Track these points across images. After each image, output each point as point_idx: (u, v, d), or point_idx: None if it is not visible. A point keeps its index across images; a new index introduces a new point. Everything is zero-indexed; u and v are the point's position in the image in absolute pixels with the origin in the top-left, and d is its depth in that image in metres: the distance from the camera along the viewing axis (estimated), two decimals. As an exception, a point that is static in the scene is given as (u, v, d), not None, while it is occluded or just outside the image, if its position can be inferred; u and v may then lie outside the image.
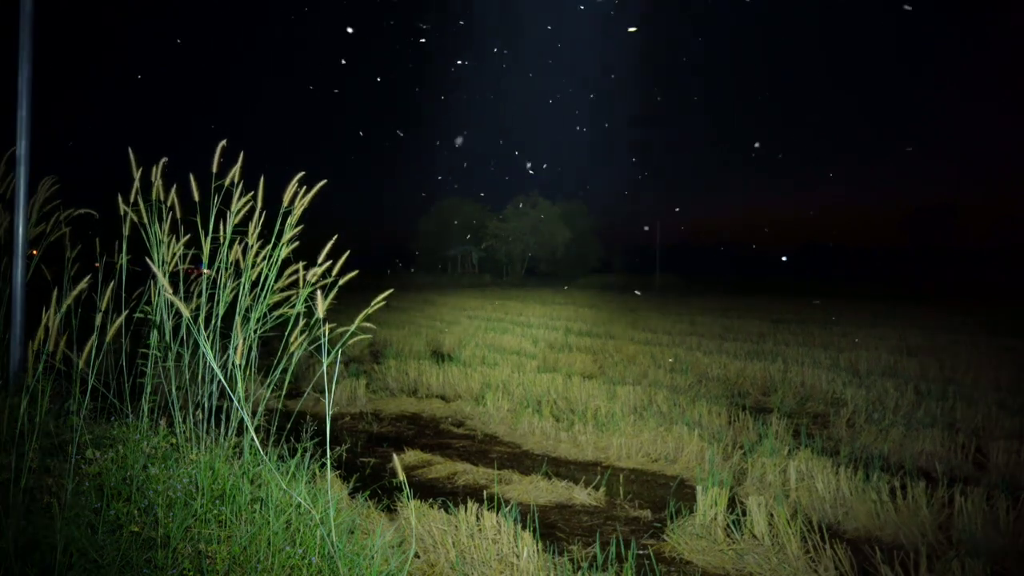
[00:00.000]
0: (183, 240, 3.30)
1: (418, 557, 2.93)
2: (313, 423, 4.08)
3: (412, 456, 4.69)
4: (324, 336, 2.44)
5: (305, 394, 3.94)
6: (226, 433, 3.09)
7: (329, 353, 2.47)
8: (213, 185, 3.16)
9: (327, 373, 2.47)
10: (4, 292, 4.03)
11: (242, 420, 2.89)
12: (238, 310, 3.15)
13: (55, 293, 2.62)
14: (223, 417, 3.12)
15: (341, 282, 2.77)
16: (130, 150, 3.20)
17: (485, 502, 3.38)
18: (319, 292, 2.35)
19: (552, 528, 3.50)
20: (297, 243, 3.24)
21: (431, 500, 3.42)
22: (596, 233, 56.29)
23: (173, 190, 3.25)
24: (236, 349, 2.58)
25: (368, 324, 2.61)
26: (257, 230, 3.18)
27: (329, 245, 2.77)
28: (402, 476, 2.24)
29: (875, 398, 6.16)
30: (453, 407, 6.21)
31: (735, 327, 12.39)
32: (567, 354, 8.79)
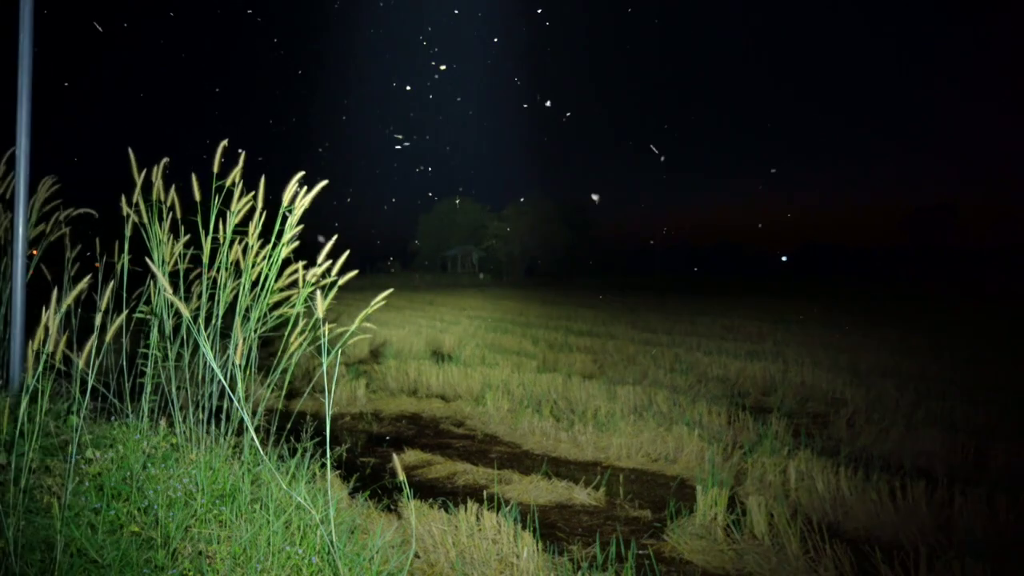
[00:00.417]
0: (183, 240, 3.30)
1: (418, 557, 2.93)
2: (313, 423, 4.08)
3: (412, 456, 4.69)
4: (324, 336, 2.44)
5: (305, 394, 3.94)
6: (226, 433, 3.09)
7: (329, 353, 2.47)
8: (214, 185, 3.17)
9: (327, 373, 2.47)
10: (4, 292, 4.03)
11: (242, 420, 2.89)
12: (238, 310, 3.15)
13: (55, 293, 2.62)
14: (223, 417, 3.12)
15: (341, 282, 2.77)
16: (130, 151, 3.21)
17: (485, 502, 3.38)
18: (319, 292, 2.35)
19: (552, 528, 3.50)
20: (297, 243, 3.24)
21: (431, 500, 3.42)
22: (596, 233, 56.32)
23: (173, 190, 3.25)
24: (236, 349, 2.58)
25: (368, 324, 2.61)
26: (257, 230, 3.18)
27: (329, 245, 2.77)
28: (402, 476, 2.24)
29: (875, 398, 6.16)
30: (453, 407, 6.21)
31: (735, 327, 12.39)
32: (567, 354, 8.79)
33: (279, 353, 3.00)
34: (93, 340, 2.43)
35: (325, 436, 2.43)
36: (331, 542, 2.34)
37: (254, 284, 3.23)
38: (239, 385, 2.54)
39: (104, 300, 2.68)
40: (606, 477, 4.31)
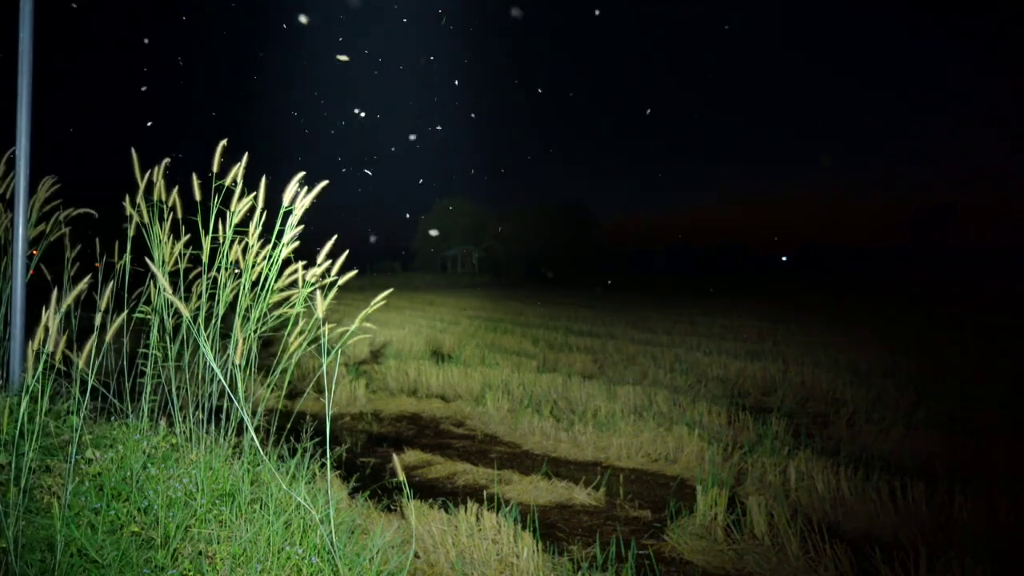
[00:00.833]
0: (184, 240, 3.30)
1: (418, 557, 2.93)
2: (313, 423, 4.09)
3: (412, 456, 4.69)
4: (324, 336, 2.44)
5: (305, 394, 3.94)
6: (226, 433, 3.09)
7: (329, 353, 2.47)
8: (214, 185, 3.17)
9: (327, 373, 2.47)
10: (4, 292, 4.03)
11: (242, 420, 2.89)
12: (238, 310, 3.15)
13: (55, 293, 2.62)
14: (223, 417, 3.12)
15: (341, 282, 2.77)
16: (133, 151, 3.21)
17: (485, 502, 3.38)
18: (319, 292, 2.35)
19: (552, 528, 3.50)
20: (298, 243, 3.24)
21: (431, 500, 3.42)
22: (596, 234, 56.35)
23: (175, 191, 3.25)
24: (236, 349, 2.58)
25: (368, 324, 2.61)
26: (258, 230, 3.18)
27: (329, 245, 2.77)
28: (402, 476, 2.24)
29: (875, 398, 6.16)
30: (453, 407, 6.21)
31: (735, 327, 12.39)
32: (567, 354, 8.79)
33: (279, 353, 3.00)
34: (93, 340, 2.43)
35: (325, 436, 2.43)
36: (331, 542, 2.34)
37: (254, 284, 3.23)
38: (239, 385, 2.54)
39: (104, 300, 2.68)
40: (606, 477, 4.31)
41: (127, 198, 3.28)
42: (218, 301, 3.23)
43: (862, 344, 9.79)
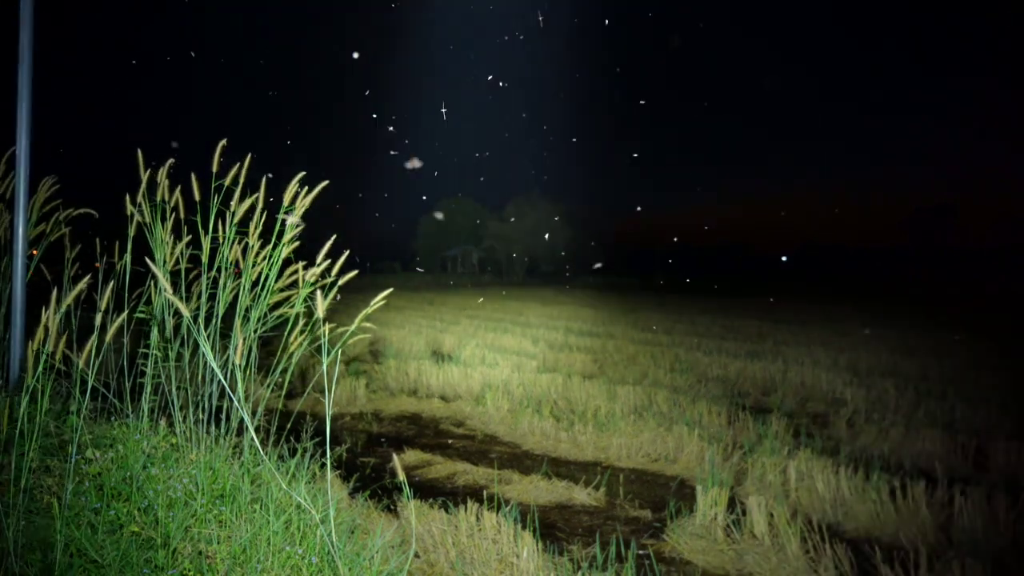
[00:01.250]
0: (185, 240, 3.30)
1: (418, 557, 2.93)
2: (313, 423, 4.09)
3: (412, 456, 4.69)
4: (324, 336, 2.44)
5: (305, 394, 3.95)
6: (226, 433, 3.09)
7: (329, 353, 2.47)
8: (213, 185, 3.17)
9: (327, 373, 2.47)
10: (4, 292, 4.03)
11: (242, 420, 2.89)
12: (238, 310, 3.15)
13: (55, 293, 2.62)
14: (223, 417, 3.12)
15: (341, 282, 2.77)
16: (139, 152, 3.21)
17: (485, 502, 3.38)
18: (319, 292, 2.35)
19: (552, 528, 3.50)
20: (297, 243, 3.24)
21: (431, 500, 3.42)
22: (597, 233, 56.37)
23: (178, 191, 3.26)
24: (236, 349, 2.58)
25: (368, 324, 2.61)
26: (258, 230, 3.18)
27: (328, 244, 2.77)
28: (402, 476, 2.24)
29: (875, 398, 6.16)
30: (453, 407, 6.21)
31: (735, 327, 12.39)
32: (567, 354, 8.79)
33: (279, 353, 3.00)
34: (93, 340, 2.43)
35: (325, 436, 2.43)
36: (331, 542, 2.34)
37: (254, 284, 3.23)
38: (239, 385, 2.54)
39: (104, 300, 2.68)
40: (606, 477, 4.31)
41: (127, 197, 3.28)
42: (218, 301, 3.23)
43: (862, 344, 9.79)
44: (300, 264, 3.15)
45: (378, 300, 2.63)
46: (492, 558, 2.85)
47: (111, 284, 2.71)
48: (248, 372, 3.17)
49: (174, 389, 3.09)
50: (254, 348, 3.27)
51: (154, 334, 3.20)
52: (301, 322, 2.93)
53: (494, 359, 8.29)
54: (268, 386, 3.07)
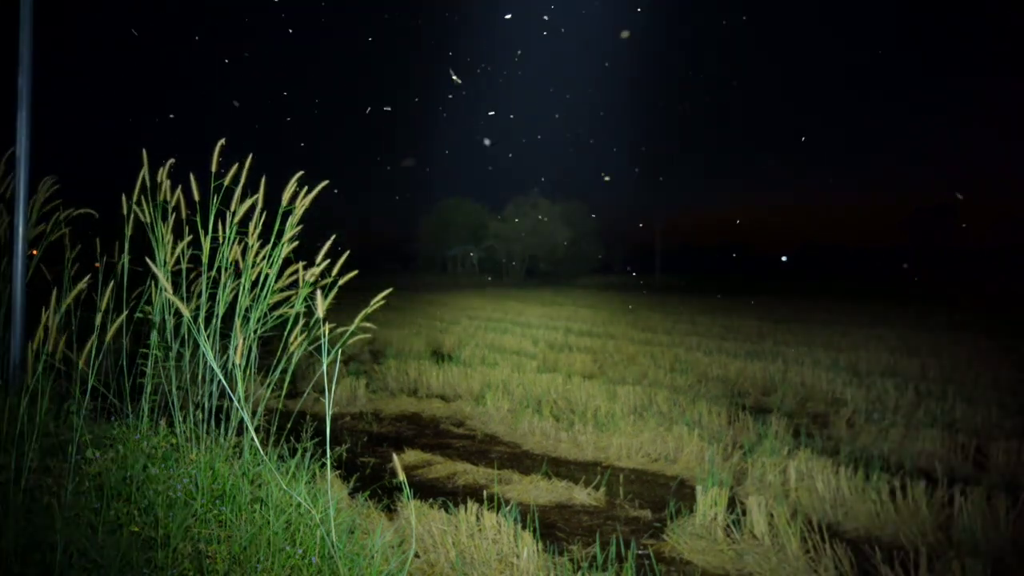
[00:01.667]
0: (186, 240, 3.30)
1: (418, 557, 2.93)
2: (313, 423, 4.09)
3: (412, 456, 4.69)
4: (324, 336, 2.44)
5: (305, 394, 3.95)
6: (226, 433, 3.09)
7: (329, 353, 2.47)
8: (213, 184, 3.17)
9: (327, 373, 2.47)
10: (4, 292, 4.03)
11: (242, 420, 2.89)
12: (238, 310, 3.15)
13: (55, 293, 2.62)
14: (223, 417, 3.12)
15: (341, 282, 2.77)
16: (144, 152, 3.21)
17: (485, 502, 3.38)
18: (319, 292, 2.34)
19: (552, 528, 3.50)
20: (297, 243, 3.24)
21: (431, 500, 3.42)
22: (597, 233, 56.40)
23: (179, 190, 3.26)
24: (236, 349, 2.58)
25: (368, 324, 2.61)
26: (257, 230, 3.18)
27: (328, 244, 2.77)
28: (402, 476, 2.24)
29: (875, 398, 6.16)
30: (453, 407, 6.21)
31: (735, 327, 12.39)
32: (567, 354, 8.79)
33: (279, 353, 3.00)
34: (93, 340, 2.43)
35: (325, 436, 2.43)
36: (331, 542, 2.34)
37: (254, 284, 3.23)
38: (239, 385, 2.54)
39: (104, 300, 2.68)
40: (606, 477, 4.31)
41: (122, 197, 3.28)
42: (218, 301, 3.23)
43: (862, 344, 9.79)
44: (300, 264, 3.15)
45: (378, 300, 2.63)
46: (492, 558, 2.85)
47: (111, 284, 2.72)
48: (248, 372, 3.17)
49: (174, 389, 3.09)
50: (254, 348, 3.27)
51: (154, 334, 3.20)
52: (301, 322, 2.93)
53: (494, 359, 8.29)
54: (268, 386, 3.07)
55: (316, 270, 2.78)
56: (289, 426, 3.99)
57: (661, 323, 13.35)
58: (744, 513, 3.31)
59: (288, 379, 3.11)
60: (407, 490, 2.53)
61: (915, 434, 4.80)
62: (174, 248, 3.28)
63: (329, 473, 2.67)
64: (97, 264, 3.61)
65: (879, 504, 3.47)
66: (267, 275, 3.20)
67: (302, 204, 3.16)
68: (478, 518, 3.03)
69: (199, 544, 2.40)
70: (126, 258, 3.34)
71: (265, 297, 3.19)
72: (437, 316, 15.16)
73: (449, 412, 6.14)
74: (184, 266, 3.31)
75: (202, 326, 2.92)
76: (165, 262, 3.27)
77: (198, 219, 3.23)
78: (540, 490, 3.99)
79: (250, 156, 3.16)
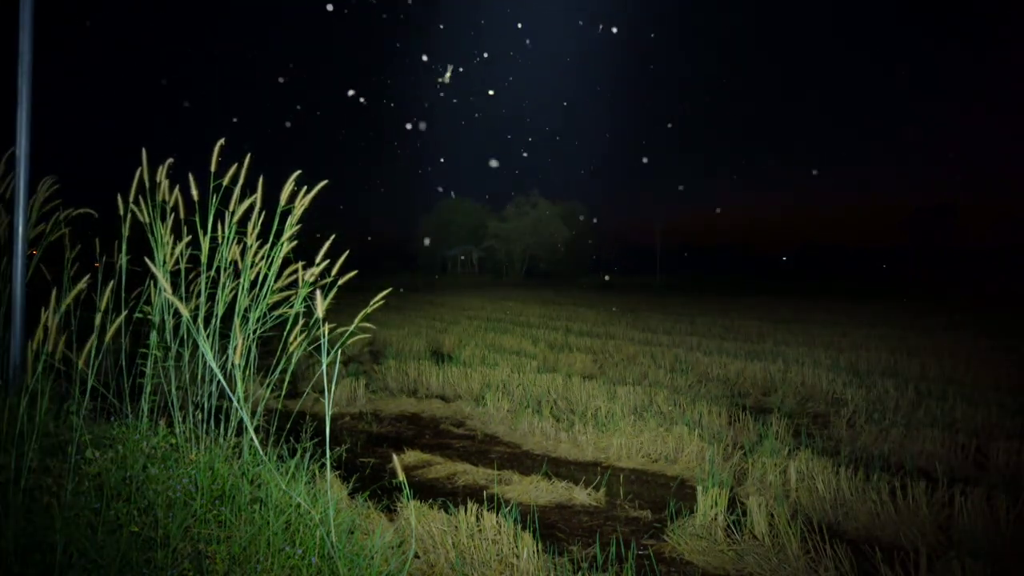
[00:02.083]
0: (185, 240, 3.30)
1: (418, 557, 2.93)
2: (313, 423, 4.09)
3: (412, 456, 4.69)
4: (324, 336, 2.43)
5: (305, 394, 3.94)
6: (226, 433, 3.09)
7: (328, 353, 2.47)
8: (212, 184, 3.16)
9: (327, 373, 2.47)
10: (4, 292, 4.02)
11: (242, 420, 2.89)
12: (237, 310, 3.14)
13: (54, 293, 2.62)
14: (223, 417, 3.12)
15: (341, 282, 2.77)
16: (143, 151, 3.21)
17: (485, 502, 3.38)
18: (318, 292, 2.34)
19: (552, 528, 3.50)
20: (296, 242, 3.24)
21: (431, 500, 3.42)
22: (597, 233, 56.41)
23: (177, 190, 3.25)
24: (235, 349, 2.58)
25: (367, 324, 2.61)
26: (256, 230, 3.17)
27: (327, 244, 2.76)
28: (402, 476, 2.24)
29: (875, 398, 6.16)
30: (453, 407, 6.21)
31: (735, 327, 12.39)
32: (567, 354, 8.78)
33: (278, 353, 3.00)
34: (93, 340, 2.43)
35: (325, 436, 2.43)
36: (331, 542, 2.34)
37: (253, 284, 3.22)
38: (238, 385, 2.54)
39: (104, 300, 2.68)
40: (606, 477, 4.31)
41: (118, 197, 3.27)
42: (217, 301, 3.23)
43: (862, 344, 9.79)
44: (299, 264, 3.15)
45: (378, 300, 2.63)
46: (492, 559, 2.84)
47: (110, 284, 2.71)
48: (247, 372, 3.17)
49: (173, 389, 3.09)
50: (253, 348, 3.27)
51: (153, 334, 3.20)
52: (300, 322, 2.93)
53: (494, 359, 8.28)
54: (268, 386, 3.06)
55: (316, 270, 2.77)
56: (289, 426, 3.99)
57: (661, 323, 13.35)
58: (744, 513, 3.31)
59: (288, 379, 3.11)
60: (407, 490, 2.53)
61: (915, 434, 4.80)
62: (173, 248, 3.28)
63: (329, 473, 2.67)
64: (97, 264, 3.61)
65: (879, 504, 3.47)
66: (266, 275, 3.20)
67: (301, 204, 3.16)
68: (478, 518, 3.03)
69: (199, 544, 2.40)
70: (124, 258, 3.34)
71: (264, 297, 3.19)
72: (437, 316, 15.15)
73: (449, 412, 6.14)
74: (183, 266, 3.31)
75: (201, 326, 2.92)
76: (164, 262, 3.26)
77: (197, 219, 3.23)
78: (540, 490, 3.99)
79: (248, 156, 3.16)
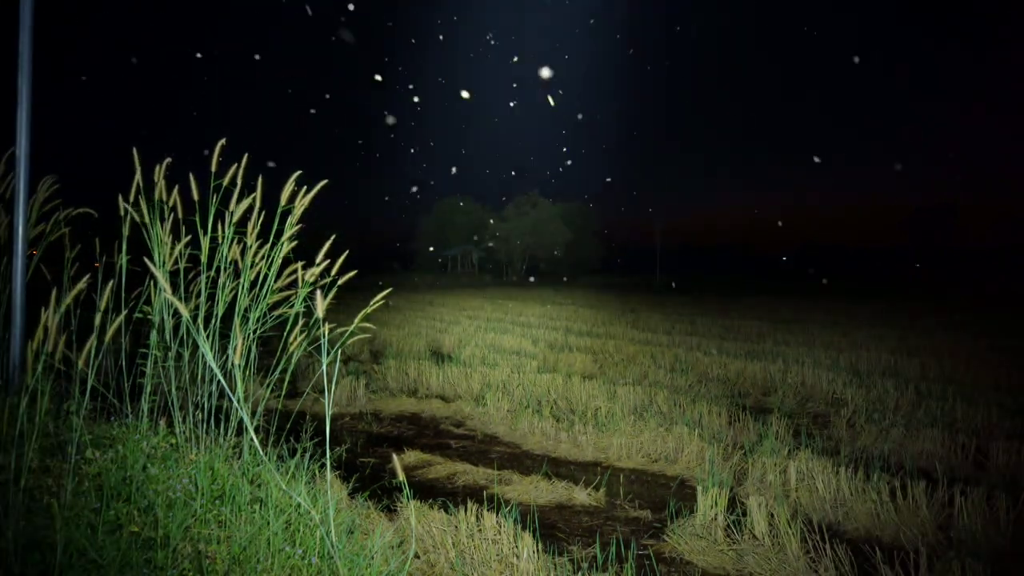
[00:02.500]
0: (184, 240, 3.30)
1: (418, 557, 2.93)
2: (313, 423, 4.08)
3: (412, 456, 4.69)
4: (324, 336, 2.43)
5: (305, 394, 3.94)
6: (226, 433, 3.09)
7: (329, 353, 2.47)
8: (212, 184, 3.16)
9: (327, 373, 2.47)
10: (4, 292, 4.02)
11: (242, 420, 2.88)
12: (237, 310, 3.14)
13: (54, 293, 2.62)
14: (223, 417, 3.12)
15: (340, 282, 2.77)
16: (134, 150, 3.20)
17: (485, 502, 3.38)
18: (318, 292, 2.34)
19: (552, 528, 3.50)
20: (296, 242, 3.24)
21: (431, 500, 3.42)
22: (596, 233, 56.43)
23: (175, 190, 3.25)
24: (235, 349, 2.57)
25: (368, 324, 2.61)
26: (256, 230, 3.17)
27: (327, 244, 2.76)
28: (402, 476, 2.24)
29: (875, 398, 6.16)
30: (453, 407, 6.21)
31: (735, 327, 12.39)
32: (567, 354, 8.78)
33: (278, 353, 3.00)
34: (92, 340, 2.43)
35: (325, 436, 2.43)
36: (331, 542, 2.34)
37: (253, 284, 3.22)
38: (238, 385, 2.54)
39: (103, 300, 2.68)
40: (606, 477, 4.31)
41: (119, 197, 3.27)
42: (217, 301, 3.23)
43: (862, 344, 9.79)
44: (299, 264, 3.15)
45: (377, 300, 2.63)
46: (492, 558, 2.84)
47: (110, 284, 2.71)
48: (247, 372, 3.17)
49: (173, 389, 3.09)
50: (253, 348, 3.27)
51: (153, 334, 3.20)
52: (300, 322, 2.93)
53: (494, 359, 8.28)
54: (268, 386, 3.06)
55: (316, 270, 2.77)
56: (289, 426, 3.99)
57: (661, 323, 13.35)
58: (744, 513, 3.31)
59: (288, 379, 3.11)
60: (407, 490, 2.53)
61: (915, 434, 4.80)
62: (172, 248, 3.28)
63: (329, 473, 2.67)
64: (97, 264, 3.61)
65: (879, 504, 3.47)
66: (266, 275, 3.20)
67: (301, 204, 3.16)
68: (478, 518, 3.03)
69: (199, 544, 2.40)
70: (124, 258, 3.34)
71: (264, 297, 3.19)
72: (437, 316, 15.15)
73: (449, 412, 6.14)
74: (182, 266, 3.30)
75: (201, 326, 2.92)
76: (163, 262, 3.26)
77: (197, 219, 3.22)
78: (540, 490, 3.99)
79: (246, 155, 3.16)
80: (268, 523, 2.44)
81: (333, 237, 2.82)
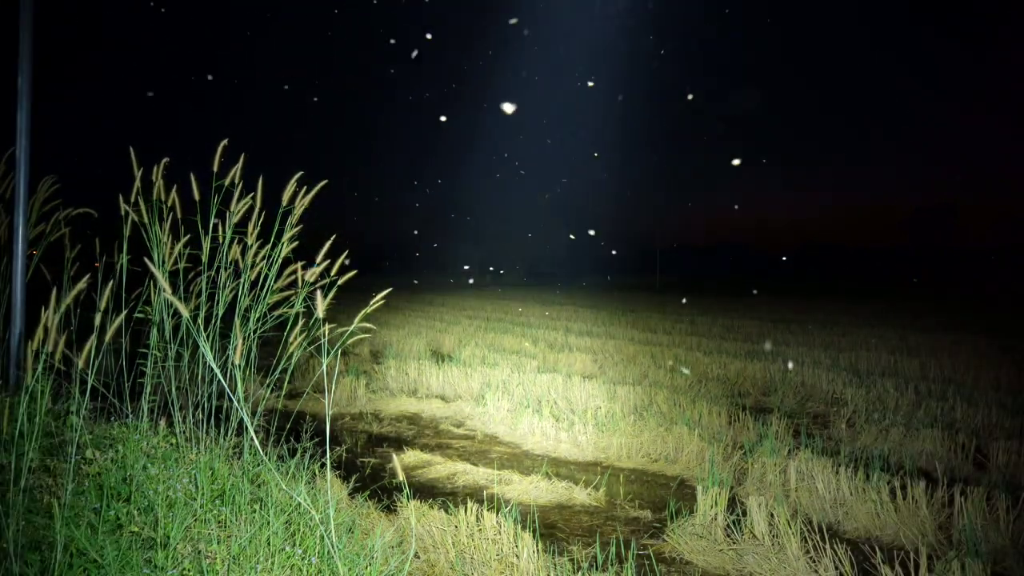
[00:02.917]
0: (184, 240, 3.30)
1: (418, 557, 2.93)
2: (313, 423, 4.08)
3: (412, 456, 4.69)
4: (324, 336, 2.44)
5: (305, 394, 3.94)
6: (226, 433, 3.09)
7: (329, 353, 2.47)
8: (213, 185, 3.16)
9: (327, 373, 2.47)
10: (4, 292, 4.02)
11: (242, 420, 2.88)
12: (237, 310, 3.15)
13: (54, 293, 2.62)
14: (223, 417, 3.12)
15: (340, 282, 2.77)
16: (131, 150, 3.20)
17: (485, 502, 3.38)
18: (318, 292, 2.34)
19: (552, 528, 3.50)
20: (296, 243, 3.24)
21: (431, 500, 3.42)
22: (595, 233, 56.45)
23: (174, 190, 3.25)
24: (236, 349, 2.58)
25: (367, 324, 2.61)
26: (256, 230, 3.18)
27: (328, 244, 2.77)
28: (402, 476, 2.24)
29: (875, 398, 6.16)
30: (453, 407, 6.21)
31: (735, 327, 12.39)
32: (567, 354, 8.78)
33: (279, 353, 3.00)
34: (93, 340, 2.42)
35: (325, 436, 2.43)
36: (331, 542, 2.34)
37: (253, 284, 3.23)
38: (239, 385, 2.54)
39: (103, 300, 2.68)
40: (606, 477, 4.31)
41: (119, 197, 3.27)
42: (217, 301, 3.23)
43: (862, 344, 9.79)
44: (299, 264, 3.15)
45: (377, 299, 2.63)
46: (492, 558, 2.85)
47: (110, 284, 2.71)
48: (248, 372, 3.17)
49: (174, 389, 3.09)
50: (254, 348, 3.27)
51: (153, 334, 3.20)
52: (300, 322, 2.93)
53: (494, 359, 8.28)
54: (268, 386, 3.06)
55: (316, 270, 2.78)
56: (289, 426, 3.99)
57: (661, 323, 13.34)
58: (744, 513, 3.31)
59: (288, 379, 3.11)
60: (407, 490, 2.53)
61: (915, 434, 4.80)
62: (172, 248, 3.28)
63: (329, 473, 2.67)
64: (97, 264, 3.61)
65: (879, 504, 3.47)
66: (266, 275, 3.20)
67: (301, 204, 3.16)
68: (478, 518, 3.03)
69: (199, 544, 2.40)
70: (124, 258, 3.34)
71: (265, 297, 3.19)
72: (437, 316, 15.15)
73: (449, 412, 6.14)
74: (182, 266, 3.31)
75: (201, 326, 2.92)
76: (163, 262, 3.26)
77: (197, 219, 3.23)
78: (540, 490, 3.99)
79: (243, 156, 3.16)
80: (268, 523, 2.44)
81: (333, 237, 2.82)
